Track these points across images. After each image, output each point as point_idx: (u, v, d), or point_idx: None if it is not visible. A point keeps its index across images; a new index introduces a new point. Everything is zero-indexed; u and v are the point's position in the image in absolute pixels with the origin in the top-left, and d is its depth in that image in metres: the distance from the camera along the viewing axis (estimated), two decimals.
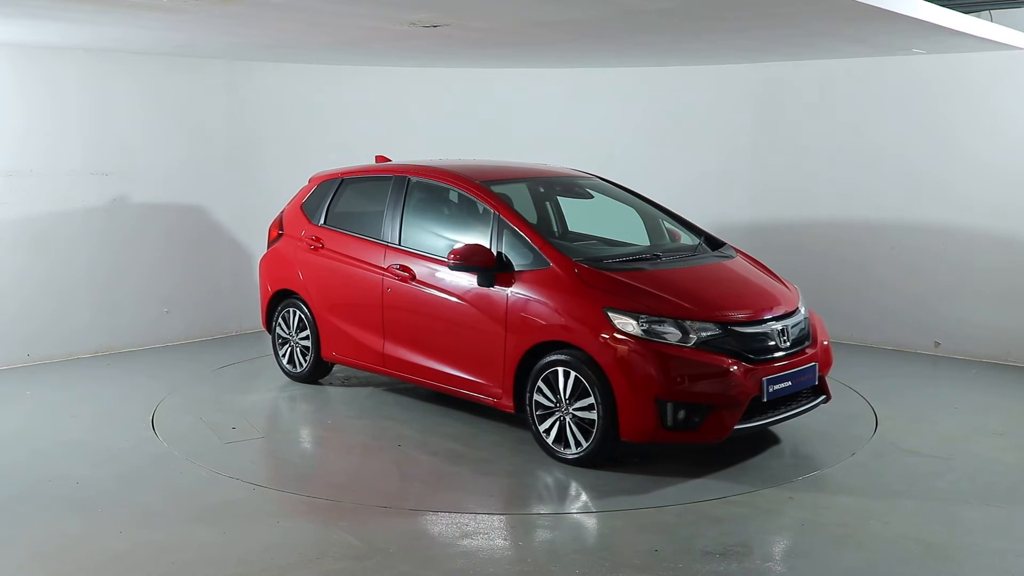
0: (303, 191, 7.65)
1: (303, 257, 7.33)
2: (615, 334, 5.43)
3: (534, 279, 5.83)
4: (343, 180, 7.39)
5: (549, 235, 6.24)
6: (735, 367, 5.40)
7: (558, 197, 7.12)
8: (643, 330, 5.42)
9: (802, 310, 6.04)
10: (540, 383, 5.74)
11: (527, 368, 5.84)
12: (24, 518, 4.92)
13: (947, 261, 8.31)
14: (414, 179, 6.83)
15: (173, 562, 4.40)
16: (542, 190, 7.03)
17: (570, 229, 7.07)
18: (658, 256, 6.18)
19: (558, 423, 5.68)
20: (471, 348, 6.14)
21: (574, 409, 5.59)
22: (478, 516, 4.99)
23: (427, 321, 6.44)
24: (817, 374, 5.88)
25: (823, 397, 6.05)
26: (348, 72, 9.59)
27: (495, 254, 6.01)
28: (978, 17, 7.07)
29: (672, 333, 5.43)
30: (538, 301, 5.78)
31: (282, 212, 7.76)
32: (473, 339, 6.11)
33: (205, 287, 9.06)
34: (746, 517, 4.94)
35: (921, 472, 5.59)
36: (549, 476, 5.55)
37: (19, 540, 4.67)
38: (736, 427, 5.44)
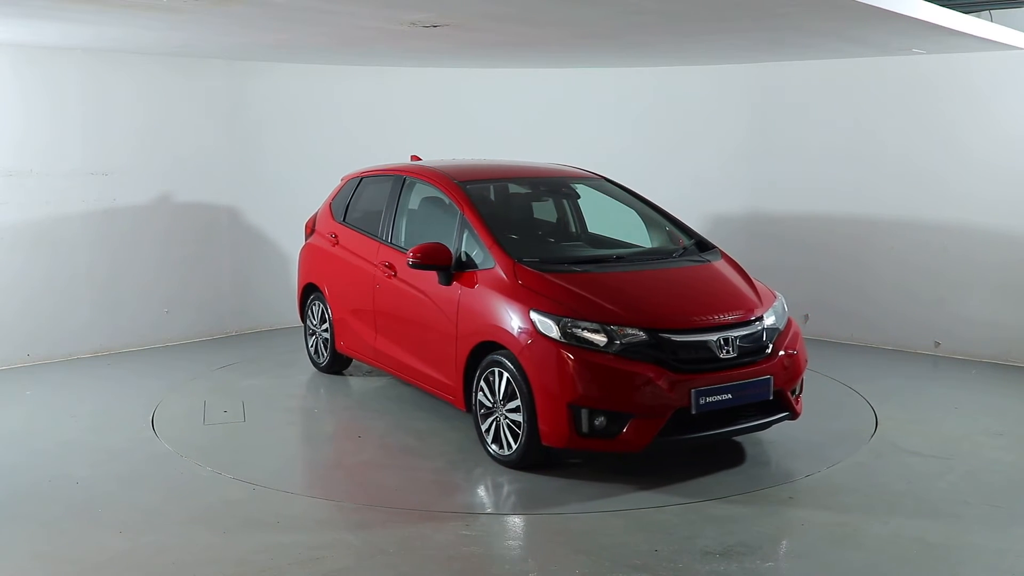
0: (335, 189, 7.88)
1: (324, 252, 7.60)
2: (537, 336, 5.36)
3: (483, 278, 5.83)
4: (362, 179, 7.58)
5: (502, 234, 6.05)
6: (656, 376, 5.18)
7: (544, 198, 7.12)
8: (563, 333, 5.31)
9: (767, 320, 5.67)
10: (482, 383, 5.73)
11: (475, 367, 5.84)
12: (24, 518, 4.92)
13: (947, 261, 8.31)
14: (408, 179, 6.98)
15: (173, 562, 4.40)
16: (528, 190, 7.05)
17: (589, 230, 7.08)
18: (621, 259, 6.13)
19: (495, 423, 5.68)
20: (433, 345, 6.22)
21: (506, 410, 5.57)
22: (478, 516, 5.00)
23: (404, 317, 6.59)
24: (772, 388, 5.51)
25: (785, 414, 5.68)
26: (348, 72, 9.58)
27: (453, 253, 6.04)
28: (978, 17, 7.07)
29: (595, 338, 5.27)
30: (482, 301, 5.77)
31: (318, 209, 8.01)
32: (434, 337, 6.20)
33: (205, 287, 9.06)
34: (746, 517, 4.93)
35: (921, 472, 5.59)
36: (466, 476, 5.58)
37: (19, 540, 4.67)
38: (661, 439, 5.21)
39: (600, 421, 5.22)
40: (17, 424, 6.50)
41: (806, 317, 9.07)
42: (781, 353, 5.65)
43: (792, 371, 5.69)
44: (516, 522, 4.93)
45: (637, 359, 5.24)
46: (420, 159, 7.81)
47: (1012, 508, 5.08)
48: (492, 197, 6.73)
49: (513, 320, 5.51)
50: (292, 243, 9.45)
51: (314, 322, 7.79)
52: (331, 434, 6.57)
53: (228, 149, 9.09)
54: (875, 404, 6.86)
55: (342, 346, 7.40)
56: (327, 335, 7.58)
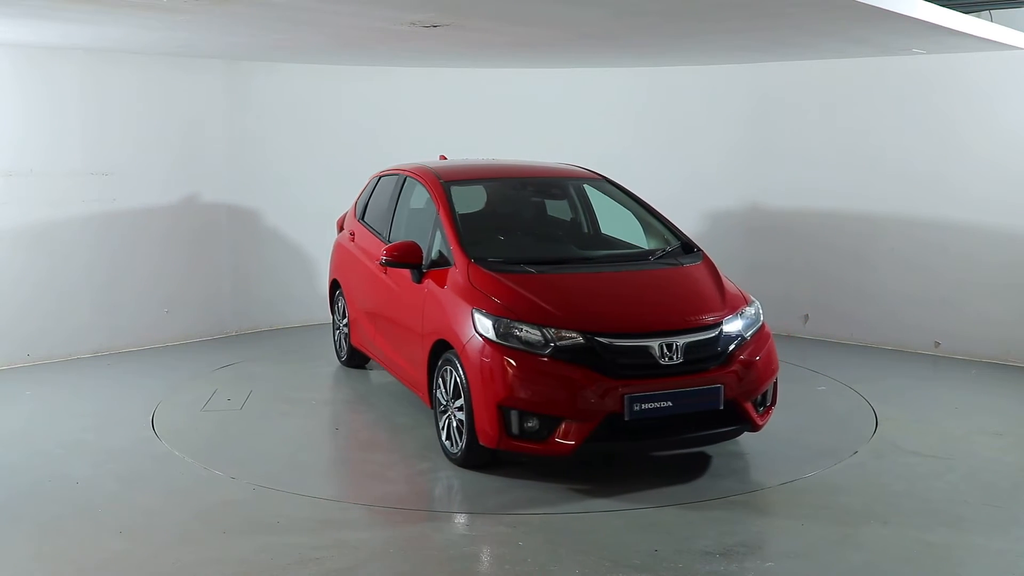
0: (363, 188, 8.00)
1: (344, 250, 7.76)
2: (476, 336, 5.36)
3: (447, 277, 5.86)
4: (379, 178, 7.66)
5: (467, 234, 6.03)
6: (585, 379, 5.08)
7: (533, 198, 7.13)
8: (498, 333, 5.28)
9: (726, 327, 5.43)
10: (439, 380, 5.77)
11: (436, 364, 5.86)
12: (24, 518, 4.92)
13: (947, 261, 8.30)
14: (408, 178, 7.03)
15: (173, 562, 4.41)
16: (527, 190, 7.06)
17: (602, 231, 7.07)
18: (588, 261, 6.12)
19: (447, 421, 5.71)
20: (407, 342, 6.29)
21: (455, 408, 5.59)
22: (478, 517, 5.00)
23: (389, 314, 6.68)
24: (722, 397, 5.27)
25: (736, 427, 5.44)
26: (348, 72, 9.58)
27: (425, 251, 6.09)
28: (978, 17, 7.07)
29: (530, 339, 5.23)
30: (441, 299, 5.81)
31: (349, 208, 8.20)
32: (407, 334, 6.27)
33: (205, 287, 9.05)
34: (746, 517, 4.94)
35: (921, 472, 5.59)
36: (405, 471, 5.64)
37: (19, 540, 4.67)
38: (591, 445, 5.13)
39: (532, 424, 5.18)
40: (17, 424, 6.50)
41: (806, 317, 9.08)
42: (745, 359, 5.42)
43: (751, 381, 5.42)
44: (516, 522, 4.92)
45: (570, 362, 5.17)
46: (447, 158, 7.86)
47: (1012, 508, 5.08)
48: (481, 197, 6.74)
49: (459, 319, 5.53)
50: (292, 243, 9.47)
51: (338, 317, 7.95)
52: (312, 427, 6.63)
53: (228, 149, 9.08)
54: (875, 404, 6.86)
55: (355, 341, 7.54)
56: (347, 330, 7.71)
